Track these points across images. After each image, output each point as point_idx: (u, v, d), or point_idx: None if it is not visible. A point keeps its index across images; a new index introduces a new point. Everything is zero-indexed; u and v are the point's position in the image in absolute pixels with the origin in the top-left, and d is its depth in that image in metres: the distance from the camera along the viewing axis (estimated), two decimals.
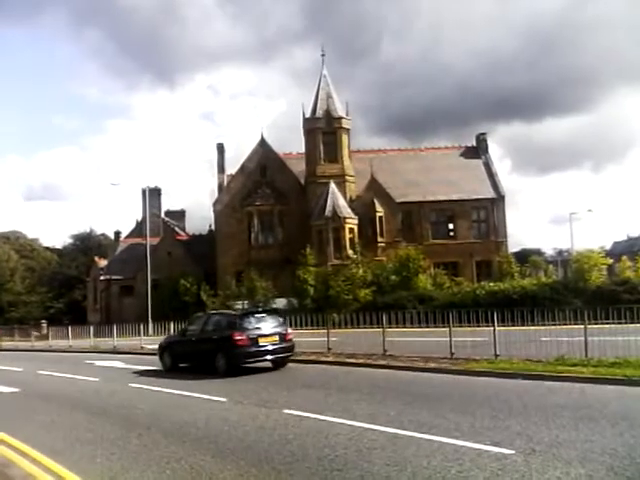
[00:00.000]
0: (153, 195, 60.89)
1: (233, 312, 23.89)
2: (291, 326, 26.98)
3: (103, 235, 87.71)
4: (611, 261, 41.81)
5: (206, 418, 11.28)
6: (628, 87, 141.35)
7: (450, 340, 17.93)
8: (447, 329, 18.75)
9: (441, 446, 8.16)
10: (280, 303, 42.62)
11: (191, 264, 56.43)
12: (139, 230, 61.33)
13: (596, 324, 18.08)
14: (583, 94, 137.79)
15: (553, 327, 19.66)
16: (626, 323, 19.02)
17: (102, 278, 61.44)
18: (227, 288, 47.90)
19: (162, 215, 66.04)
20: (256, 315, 19.51)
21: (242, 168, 55.85)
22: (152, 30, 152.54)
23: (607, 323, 19.44)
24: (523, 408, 10.65)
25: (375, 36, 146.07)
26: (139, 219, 65.10)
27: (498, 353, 16.67)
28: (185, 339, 20.22)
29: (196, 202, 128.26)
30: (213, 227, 59.60)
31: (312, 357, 20.43)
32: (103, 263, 63.84)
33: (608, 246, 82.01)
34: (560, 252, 77.90)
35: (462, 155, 59.39)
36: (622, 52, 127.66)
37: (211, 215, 58.02)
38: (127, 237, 66.03)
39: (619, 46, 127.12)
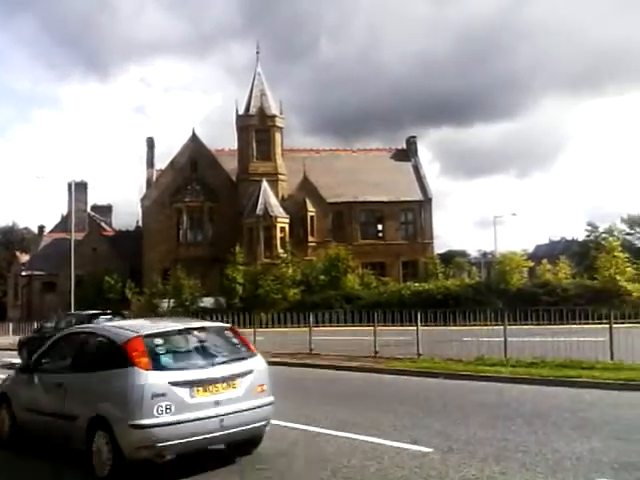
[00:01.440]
0: (79, 189, 59.25)
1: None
2: None
3: (26, 229, 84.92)
4: (532, 264, 43.20)
5: None
6: (557, 95, 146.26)
7: (374, 339, 18.17)
8: (372, 328, 18.99)
9: (361, 444, 8.26)
10: (207, 302, 42.26)
11: (117, 261, 55.22)
12: (64, 225, 59.66)
13: (516, 325, 18.67)
14: (513, 101, 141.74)
15: (475, 327, 20.17)
16: (544, 324, 19.72)
17: (24, 274, 59.49)
18: (153, 286, 47.02)
19: (88, 210, 64.37)
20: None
21: (172, 163, 54.96)
22: (85, 20, 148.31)
23: (526, 324, 20.10)
24: (443, 407, 10.89)
25: (313, 35, 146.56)
26: (64, 213, 63.32)
27: (421, 352, 16.99)
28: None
29: (124, 197, 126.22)
30: (140, 223, 58.52)
31: None
32: (25, 258, 61.89)
33: (530, 249, 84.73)
34: (484, 254, 79.85)
35: (393, 157, 60.17)
36: (552, 60, 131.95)
37: (139, 211, 57.01)
38: (51, 232, 64.18)
39: (549, 54, 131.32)
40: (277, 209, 50.60)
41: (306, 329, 21.31)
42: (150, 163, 57.10)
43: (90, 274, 51.72)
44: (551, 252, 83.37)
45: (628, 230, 60.23)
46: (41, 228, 67.08)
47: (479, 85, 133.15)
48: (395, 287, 41.40)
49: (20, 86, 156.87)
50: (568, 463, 7.08)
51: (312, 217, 52.64)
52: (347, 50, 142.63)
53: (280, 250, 48.37)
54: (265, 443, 8.43)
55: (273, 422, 9.70)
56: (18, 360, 19.63)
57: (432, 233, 57.08)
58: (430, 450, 7.84)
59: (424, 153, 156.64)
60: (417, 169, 59.02)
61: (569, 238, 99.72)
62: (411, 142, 61.04)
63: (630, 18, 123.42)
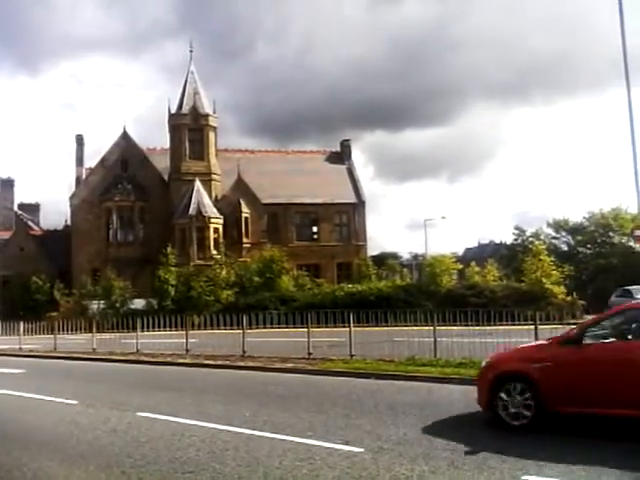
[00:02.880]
0: (5, 186, 57.74)
1: None
2: (149, 328, 26.52)
3: None
4: (462, 266, 44.19)
5: (54, 422, 10.81)
6: (486, 103, 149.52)
7: (308, 340, 18.27)
8: (306, 330, 19.08)
9: (294, 446, 8.29)
10: (139, 304, 41.57)
11: (45, 261, 53.70)
12: None
13: (445, 326, 19.04)
14: (443, 107, 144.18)
15: (406, 328, 20.50)
16: (472, 325, 20.18)
17: None
18: (83, 287, 45.96)
19: (15, 208, 62.49)
20: None
21: (102, 161, 53.81)
22: (16, 12, 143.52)
23: (455, 325, 20.53)
24: (374, 407, 11.04)
25: (249, 37, 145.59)
26: None
27: (353, 353, 17.18)
28: None
29: (52, 196, 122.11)
30: (69, 222, 57.05)
31: (169, 359, 20.13)
32: None
33: (460, 252, 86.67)
34: (415, 256, 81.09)
35: (327, 160, 60.59)
36: (482, 70, 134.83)
37: (68, 210, 55.56)
38: None
39: (479, 64, 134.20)
40: (210, 209, 50.18)
41: (239, 331, 21.23)
42: (79, 161, 55.88)
43: (17, 274, 50.27)
44: (480, 255, 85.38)
45: (554, 234, 62.10)
46: None
47: (412, 91, 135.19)
48: (329, 288, 41.70)
49: None
50: (493, 461, 7.29)
51: (246, 218, 52.45)
52: (283, 53, 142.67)
53: (214, 251, 48.02)
54: (196, 447, 8.40)
55: (208, 425, 9.74)
56: None
57: (366, 235, 57.83)
58: (361, 450, 7.94)
59: (358, 156, 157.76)
60: (351, 172, 59.60)
61: (497, 241, 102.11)
62: (345, 145, 61.60)
63: (556, 32, 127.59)
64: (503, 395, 8.93)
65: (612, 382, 8.27)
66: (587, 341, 8.73)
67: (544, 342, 9.79)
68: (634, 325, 8.81)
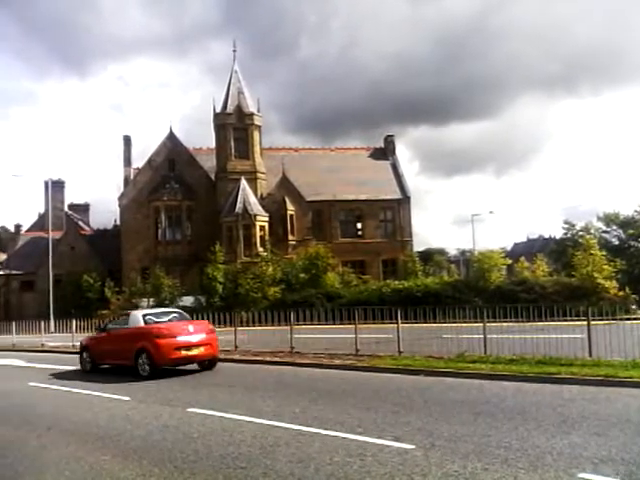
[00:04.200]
0: (56, 187, 58.89)
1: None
2: None
3: (3, 228, 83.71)
4: (510, 261, 43.48)
5: (108, 417, 11.02)
6: (531, 95, 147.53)
7: (355, 337, 18.22)
8: (353, 326, 19.03)
9: (344, 442, 8.29)
10: (187, 301, 42.04)
11: (95, 260, 54.86)
12: (41, 223, 59.23)
13: (495, 322, 18.77)
14: (488, 100, 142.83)
15: (454, 325, 20.24)
16: (523, 322, 19.86)
17: (1, 273, 58.80)
18: (132, 285, 46.79)
19: (65, 208, 63.92)
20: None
21: (149, 162, 54.65)
22: (64, 16, 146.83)
23: (505, 321, 20.21)
24: (424, 404, 10.95)
25: (293, 34, 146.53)
26: (41, 212, 62.85)
27: (402, 350, 17.06)
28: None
29: (101, 196, 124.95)
30: (118, 222, 58.10)
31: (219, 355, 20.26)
32: (2, 257, 61.13)
33: (508, 247, 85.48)
34: (463, 252, 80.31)
35: (371, 156, 60.38)
36: (527, 61, 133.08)
37: (116, 210, 56.59)
38: (28, 230, 63.57)
39: (524, 55, 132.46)
40: (256, 207, 50.52)
41: (287, 327, 21.30)
42: (127, 161, 56.79)
43: (69, 273, 51.43)
44: (529, 250, 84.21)
45: (604, 228, 60.64)
46: (18, 227, 66.25)
47: (456, 84, 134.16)
48: (375, 285, 41.45)
49: None
50: (549, 458, 7.16)
51: (291, 215, 52.68)
52: (327, 50, 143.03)
53: (260, 248, 48.30)
54: (247, 442, 8.45)
55: (259, 421, 9.79)
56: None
57: (411, 231, 57.41)
58: (412, 447, 7.89)
59: (403, 152, 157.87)
60: (395, 167, 59.27)
61: (546, 236, 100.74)
62: (389, 141, 61.30)
63: (601, 21, 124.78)
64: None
65: (115, 349, 17.92)
66: (109, 327, 19.26)
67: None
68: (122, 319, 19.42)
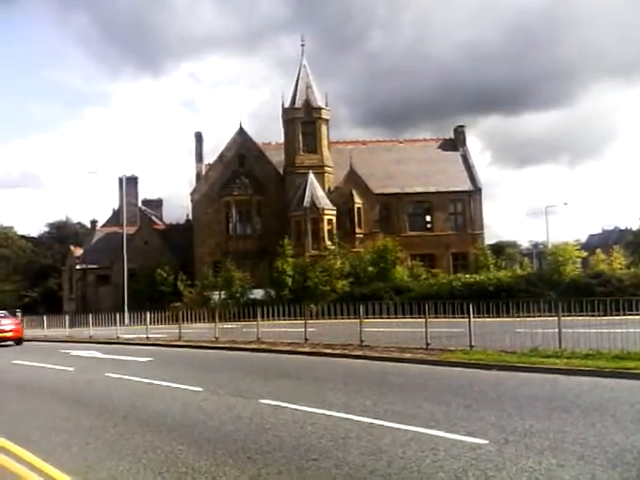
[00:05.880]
0: (130, 184, 60.55)
1: None
2: (269, 317, 27.08)
3: (79, 224, 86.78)
4: (585, 254, 42.33)
5: (182, 407, 11.26)
6: (606, 83, 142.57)
7: (426, 331, 18.06)
8: (423, 320, 18.87)
9: (416, 436, 8.23)
10: (257, 294, 42.64)
11: (168, 254, 56.15)
12: (116, 219, 60.94)
13: (570, 316, 18.30)
14: (562, 89, 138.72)
15: (528, 319, 19.87)
16: (599, 315, 19.32)
17: (78, 267, 60.89)
18: (204, 278, 47.76)
19: (139, 204, 65.67)
20: None
21: (220, 157, 55.63)
22: (138, 16, 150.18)
23: (581, 315, 19.71)
24: (497, 399, 10.78)
25: (362, 27, 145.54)
26: (116, 208, 64.68)
27: (473, 344, 16.83)
28: None
29: (174, 191, 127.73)
30: (190, 217, 59.33)
31: (289, 348, 20.48)
32: (79, 252, 63.23)
33: (583, 239, 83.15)
34: (536, 245, 78.61)
35: (440, 147, 59.67)
36: (602, 48, 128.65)
37: (189, 205, 57.80)
38: (103, 226, 65.52)
39: (599, 42, 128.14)
40: (324, 201, 50.69)
41: (355, 320, 21.29)
42: (199, 157, 57.89)
43: (142, 267, 52.81)
44: (604, 242, 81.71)
45: None
46: (94, 222, 68.42)
47: (528, 73, 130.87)
48: (445, 279, 41.01)
49: (72, 83, 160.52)
50: (629, 456, 6.93)
51: (359, 209, 52.62)
52: (396, 41, 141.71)
53: (328, 242, 48.49)
54: (319, 434, 8.49)
55: (330, 413, 9.82)
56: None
57: (482, 224, 56.44)
58: (486, 442, 7.76)
59: (474, 142, 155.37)
60: (466, 159, 58.37)
61: (623, 227, 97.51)
62: (459, 131, 60.40)
63: None
64: None
65: None
66: None
67: None
68: None
